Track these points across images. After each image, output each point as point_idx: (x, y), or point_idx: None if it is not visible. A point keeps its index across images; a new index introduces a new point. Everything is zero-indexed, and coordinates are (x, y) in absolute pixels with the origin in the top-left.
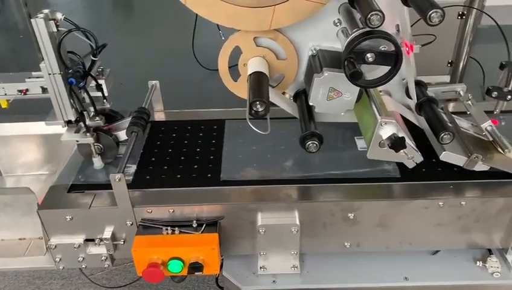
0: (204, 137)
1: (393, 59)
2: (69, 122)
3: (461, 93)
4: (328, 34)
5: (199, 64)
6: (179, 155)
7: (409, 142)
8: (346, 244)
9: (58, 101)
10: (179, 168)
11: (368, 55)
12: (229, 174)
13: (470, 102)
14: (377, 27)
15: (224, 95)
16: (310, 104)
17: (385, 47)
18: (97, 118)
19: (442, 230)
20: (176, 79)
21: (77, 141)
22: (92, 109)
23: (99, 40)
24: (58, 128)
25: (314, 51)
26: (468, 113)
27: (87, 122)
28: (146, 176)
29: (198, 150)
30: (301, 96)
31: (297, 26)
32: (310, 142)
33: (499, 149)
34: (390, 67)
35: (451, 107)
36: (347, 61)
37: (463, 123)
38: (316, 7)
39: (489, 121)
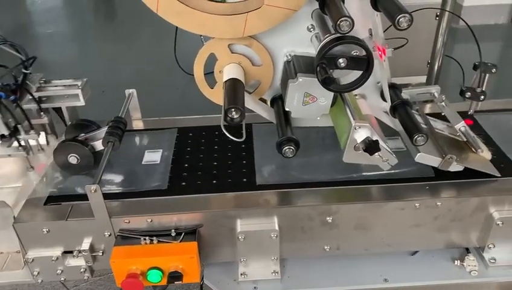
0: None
1: (364, 64)
2: (2, 137)
3: (436, 94)
4: (302, 40)
5: (182, 70)
6: None
7: (383, 145)
8: (325, 247)
9: None
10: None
11: (340, 60)
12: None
13: (443, 103)
14: (346, 33)
15: (205, 100)
16: (286, 109)
17: (357, 52)
18: (31, 132)
19: (420, 231)
20: (158, 85)
21: (9, 155)
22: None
23: (82, 47)
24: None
25: (289, 57)
26: (442, 114)
27: (22, 136)
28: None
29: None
30: (278, 101)
31: (272, 32)
32: (286, 147)
33: (473, 149)
34: (362, 71)
35: (427, 108)
36: (319, 67)
37: (438, 124)
38: (287, 14)
39: (463, 121)
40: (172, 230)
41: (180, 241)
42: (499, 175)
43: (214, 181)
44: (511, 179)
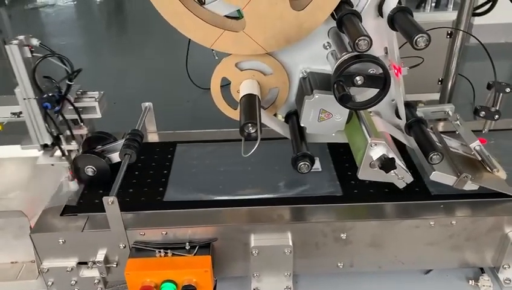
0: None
1: (381, 82)
2: (45, 146)
3: (450, 113)
4: (318, 57)
5: (193, 84)
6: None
7: (399, 162)
8: (339, 264)
9: (34, 125)
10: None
11: (357, 78)
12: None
13: (458, 122)
14: (364, 51)
15: (217, 113)
16: (302, 125)
17: (373, 70)
18: (73, 142)
19: (434, 249)
20: (170, 98)
21: (52, 165)
22: (68, 132)
23: (93, 59)
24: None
25: (305, 73)
26: (457, 133)
27: (64, 145)
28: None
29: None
30: (293, 117)
31: (288, 49)
32: (301, 163)
33: (488, 168)
34: (378, 89)
35: (441, 126)
36: (336, 84)
37: (452, 143)
38: (258, 50)
39: (478, 140)
40: (187, 243)
41: (194, 255)
42: None
43: None
44: None
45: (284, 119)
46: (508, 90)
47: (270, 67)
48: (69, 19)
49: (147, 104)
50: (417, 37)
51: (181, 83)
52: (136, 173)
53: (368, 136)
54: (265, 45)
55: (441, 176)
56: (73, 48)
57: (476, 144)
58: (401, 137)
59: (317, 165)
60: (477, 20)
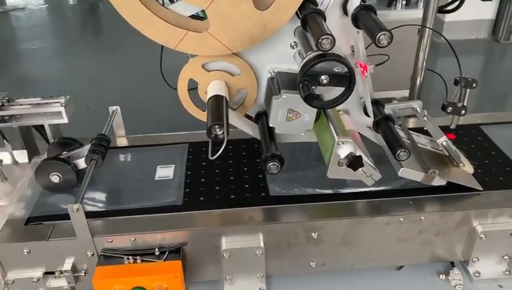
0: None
1: (346, 81)
2: None
3: (418, 109)
4: (286, 57)
5: (168, 86)
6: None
7: (367, 160)
8: (311, 264)
9: None
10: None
11: (322, 77)
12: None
13: (425, 118)
14: (328, 50)
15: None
16: (270, 125)
17: (339, 69)
18: None
19: (405, 245)
20: (145, 100)
21: None
22: None
23: (67, 63)
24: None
25: (273, 74)
26: (425, 129)
27: None
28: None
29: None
30: (262, 117)
31: (255, 49)
32: (271, 163)
33: (455, 163)
34: (344, 88)
35: (410, 123)
36: (302, 84)
37: (421, 139)
38: (223, 50)
39: (445, 136)
40: (156, 249)
41: (164, 260)
42: (481, 189)
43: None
44: (494, 193)
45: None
46: (474, 85)
47: (238, 67)
48: (41, 23)
49: (114, 107)
50: (379, 35)
51: (157, 85)
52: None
53: (335, 135)
54: (230, 45)
55: (409, 172)
56: (45, 52)
57: (443, 140)
58: (370, 135)
59: None
60: (448, 17)
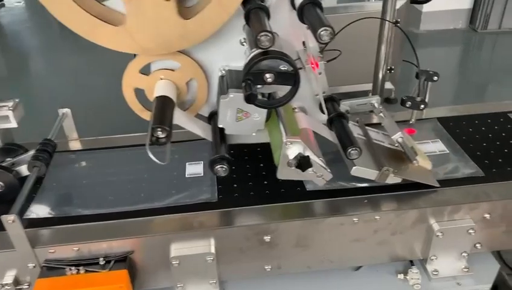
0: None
1: (292, 79)
2: None
3: (376, 105)
4: (236, 54)
5: None
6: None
7: (317, 160)
8: (266, 267)
9: None
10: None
11: (267, 75)
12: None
13: (382, 114)
14: (268, 47)
15: None
16: (219, 126)
17: (285, 66)
18: None
19: (361, 245)
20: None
21: None
22: None
23: (45, 61)
24: None
25: (223, 72)
26: (382, 125)
27: None
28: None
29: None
30: (215, 117)
31: (203, 46)
32: (219, 166)
33: (409, 160)
34: (290, 86)
35: (375, 119)
36: (245, 83)
37: (378, 135)
38: (136, 50)
39: (400, 132)
40: (101, 258)
41: (110, 270)
42: (438, 185)
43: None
44: (450, 189)
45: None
46: (435, 78)
47: (178, 62)
48: (16, 21)
49: (64, 110)
50: (321, 30)
51: None
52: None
53: (284, 135)
54: (144, 46)
55: (362, 170)
56: (21, 52)
57: (398, 136)
58: (326, 133)
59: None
60: (425, 8)
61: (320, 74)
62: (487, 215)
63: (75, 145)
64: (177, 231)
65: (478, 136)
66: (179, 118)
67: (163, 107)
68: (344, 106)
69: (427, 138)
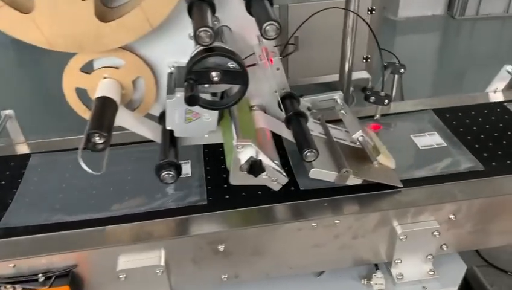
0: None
1: (241, 77)
2: None
3: (338, 101)
4: (186, 49)
5: None
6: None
7: (271, 163)
8: (223, 277)
9: None
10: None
11: (213, 74)
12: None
13: (343, 111)
14: (209, 44)
15: None
16: (167, 128)
17: (234, 64)
18: None
19: (322, 251)
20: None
21: None
22: None
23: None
24: None
25: (173, 68)
26: (344, 122)
27: None
28: None
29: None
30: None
31: (150, 41)
32: (165, 172)
33: (370, 160)
34: (240, 85)
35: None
36: (186, 83)
37: (340, 133)
38: (41, 42)
39: (360, 131)
40: (40, 274)
41: (50, 287)
42: (402, 186)
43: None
44: (414, 189)
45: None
46: (402, 71)
47: (123, 59)
48: None
49: (7, 111)
50: (266, 25)
51: None
52: None
53: (235, 137)
54: (51, 41)
55: (320, 173)
56: None
57: (358, 135)
58: (286, 133)
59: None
60: None
61: (278, 69)
62: (452, 216)
63: (23, 148)
64: (125, 243)
65: (475, 128)
66: (124, 120)
67: (103, 109)
68: (305, 102)
69: (423, 131)
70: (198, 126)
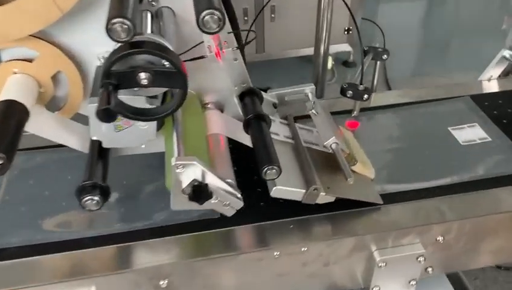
0: None
1: (177, 79)
2: None
3: (310, 96)
4: None
5: None
6: None
7: (221, 185)
8: None
9: None
10: None
11: (142, 75)
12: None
13: (314, 110)
14: (125, 40)
15: None
16: (92, 138)
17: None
18: None
19: (289, 279)
20: None
21: None
22: None
23: None
24: None
25: (103, 60)
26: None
27: None
28: None
29: None
30: None
31: (71, 28)
32: (87, 197)
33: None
34: (179, 89)
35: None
36: (102, 89)
37: (312, 136)
38: None
39: (333, 137)
40: None
41: None
42: (382, 202)
43: None
44: (396, 206)
45: None
46: (385, 57)
47: (58, 65)
48: None
49: None
50: (205, 14)
51: None
52: None
53: (175, 154)
54: None
55: (285, 191)
56: None
57: (331, 142)
58: (247, 138)
59: None
60: None
61: (236, 60)
62: (440, 238)
63: None
64: (48, 280)
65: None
66: (40, 127)
67: (4, 119)
68: (270, 98)
69: (462, 122)
70: (132, 135)
